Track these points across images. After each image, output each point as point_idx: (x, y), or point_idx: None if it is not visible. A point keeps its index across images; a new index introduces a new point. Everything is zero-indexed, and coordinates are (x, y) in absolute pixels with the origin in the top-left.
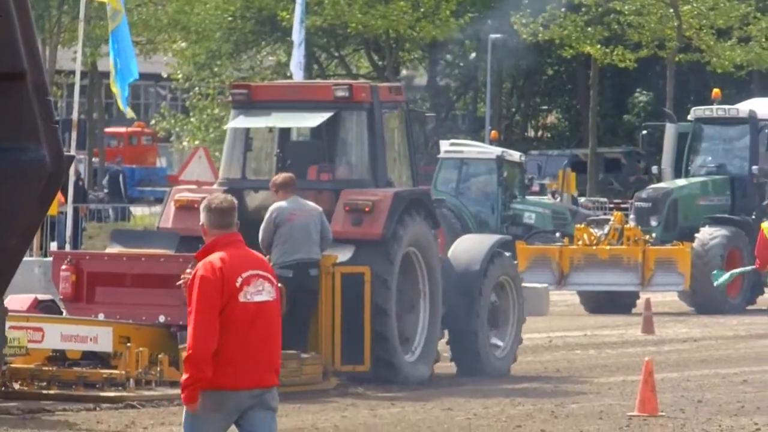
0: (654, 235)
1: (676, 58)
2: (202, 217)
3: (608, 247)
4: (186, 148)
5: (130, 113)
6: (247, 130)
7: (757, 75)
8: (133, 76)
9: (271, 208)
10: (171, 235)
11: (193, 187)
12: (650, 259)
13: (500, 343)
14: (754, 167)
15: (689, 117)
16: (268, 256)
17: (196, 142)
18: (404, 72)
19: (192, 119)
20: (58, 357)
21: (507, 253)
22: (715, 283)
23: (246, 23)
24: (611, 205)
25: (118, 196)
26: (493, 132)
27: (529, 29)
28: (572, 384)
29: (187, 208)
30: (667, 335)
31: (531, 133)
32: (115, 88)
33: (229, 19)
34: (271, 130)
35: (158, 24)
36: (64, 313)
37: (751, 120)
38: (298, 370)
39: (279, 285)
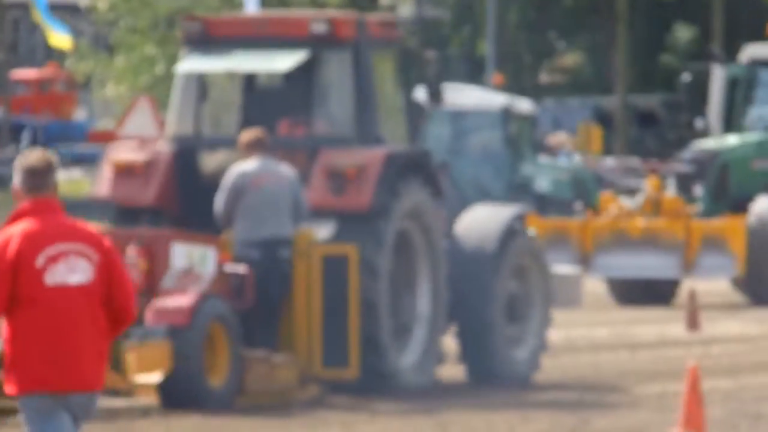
0: (699, 206)
1: None
2: (15, 177)
3: (642, 222)
4: (111, 97)
5: (66, 43)
6: (202, 74)
7: None
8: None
9: (230, 171)
10: (106, 205)
11: (134, 145)
12: (695, 237)
13: (521, 342)
14: None
15: (742, 57)
16: (227, 232)
17: (123, 88)
18: (384, 1)
19: (118, 60)
20: None
21: (529, 229)
22: None
23: None
24: (646, 169)
25: None
26: (496, 76)
27: None
28: (599, 394)
29: (127, 172)
30: (717, 333)
31: (544, 78)
32: (39, 18)
33: None
34: (231, 74)
35: None
36: None
37: None
38: (268, 375)
39: (240, 270)
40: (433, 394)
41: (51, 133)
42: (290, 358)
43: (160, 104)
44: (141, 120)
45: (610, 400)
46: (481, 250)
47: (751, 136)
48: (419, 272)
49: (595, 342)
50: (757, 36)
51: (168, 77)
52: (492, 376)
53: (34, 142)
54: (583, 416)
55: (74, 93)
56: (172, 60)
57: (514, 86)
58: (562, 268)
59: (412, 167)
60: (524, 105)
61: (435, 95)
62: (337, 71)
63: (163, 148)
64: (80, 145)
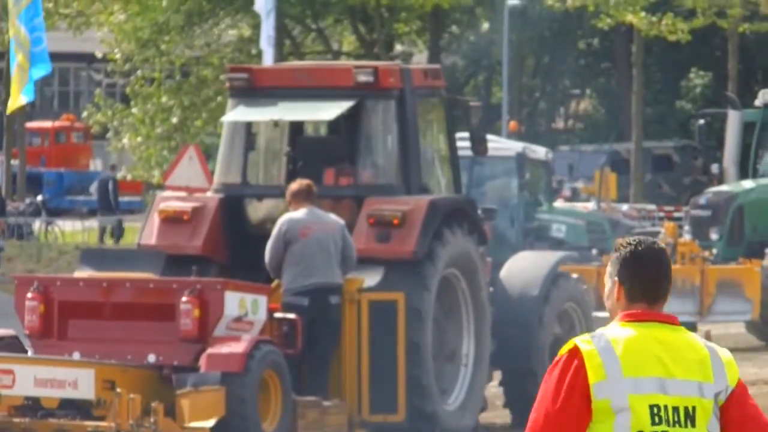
0: (715, 251)
1: (740, 29)
2: None
3: None
4: (125, 146)
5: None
6: (249, 124)
7: None
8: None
9: (280, 221)
10: (155, 254)
11: (183, 194)
12: (710, 282)
13: None
14: None
15: (757, 102)
16: (277, 282)
17: (139, 139)
18: (399, 48)
19: (134, 110)
20: (31, 406)
21: (574, 275)
22: None
23: None
24: (661, 214)
25: (107, 207)
26: (511, 123)
27: None
28: None
29: (174, 221)
30: None
31: (560, 124)
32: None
33: None
34: (277, 124)
35: None
36: (29, 352)
37: None
38: (319, 420)
39: (290, 317)
40: None
41: (66, 184)
42: (340, 404)
43: (175, 152)
44: (189, 169)
45: None
46: (527, 294)
47: (766, 181)
48: (464, 317)
49: None
50: None
51: (182, 126)
52: None
53: (113, 193)
54: None
55: (89, 144)
56: (186, 110)
57: (529, 132)
58: (605, 313)
59: (457, 214)
60: (539, 151)
61: (479, 143)
62: (381, 120)
63: (211, 196)
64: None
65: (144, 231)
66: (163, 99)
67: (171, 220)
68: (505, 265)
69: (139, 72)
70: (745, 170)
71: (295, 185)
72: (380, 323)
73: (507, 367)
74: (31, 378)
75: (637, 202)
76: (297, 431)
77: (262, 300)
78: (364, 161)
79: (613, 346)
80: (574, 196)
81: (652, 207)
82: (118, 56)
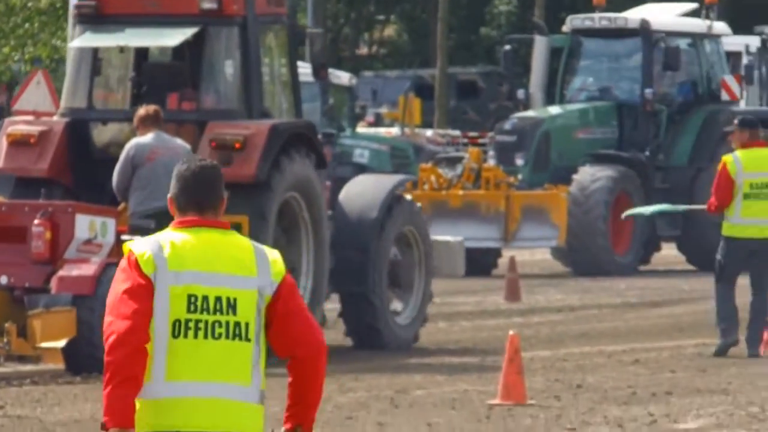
0: (520, 176)
1: None
2: None
3: (462, 192)
4: None
5: None
6: (95, 50)
7: None
8: None
9: (128, 145)
10: (2, 177)
11: (30, 118)
12: (515, 208)
13: (401, 308)
14: (648, 90)
15: (564, 28)
16: (124, 204)
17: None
18: None
19: None
20: None
21: (410, 198)
22: (624, 215)
23: None
24: (465, 140)
25: None
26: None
27: None
28: (416, 365)
29: (22, 144)
30: (538, 303)
31: (364, 50)
32: None
33: None
34: (123, 50)
35: None
36: None
37: (643, 32)
38: None
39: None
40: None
41: None
42: None
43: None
44: (36, 94)
45: (429, 370)
46: (364, 218)
47: (574, 107)
48: (303, 240)
49: None
50: (579, 7)
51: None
52: (376, 342)
53: None
54: (400, 386)
55: None
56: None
57: (332, 58)
58: (445, 236)
59: (298, 139)
60: (343, 76)
61: (319, 70)
62: (224, 46)
63: (57, 120)
64: None
65: None
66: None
67: (18, 143)
68: (344, 188)
69: None
70: (551, 96)
71: (142, 110)
72: None
73: (345, 290)
74: None
75: (442, 127)
76: None
77: (111, 223)
78: (207, 86)
79: (162, 245)
80: (378, 122)
81: (456, 133)
82: None
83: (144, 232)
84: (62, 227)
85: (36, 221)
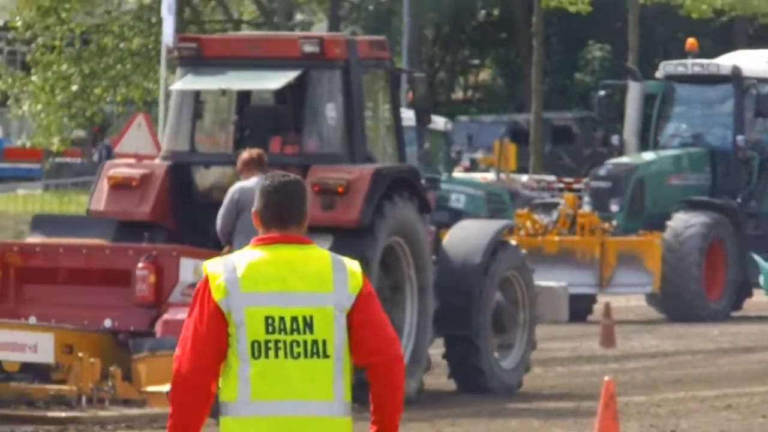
0: (615, 223)
1: (641, 1)
2: None
3: (557, 239)
4: (26, 114)
5: None
6: (197, 92)
7: (740, 22)
8: None
9: (232, 189)
10: (105, 220)
11: (132, 161)
12: (610, 254)
13: (505, 353)
14: (740, 137)
15: (657, 74)
16: (228, 248)
17: (39, 106)
18: (298, 17)
19: (33, 78)
20: None
21: (514, 243)
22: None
23: None
24: (561, 185)
25: None
26: (410, 93)
27: None
28: (513, 410)
29: (123, 187)
30: (633, 349)
31: (459, 94)
32: None
33: None
34: (225, 93)
35: None
36: None
37: (735, 78)
38: None
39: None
40: (417, 404)
41: None
42: None
43: (75, 120)
44: (138, 136)
45: (525, 415)
46: (468, 262)
47: (668, 153)
48: (406, 289)
49: None
50: (672, 53)
51: (82, 93)
52: (480, 385)
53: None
54: None
55: None
56: (86, 78)
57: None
58: (549, 281)
59: (400, 183)
60: (439, 121)
61: (423, 114)
62: (327, 90)
63: (159, 163)
64: None
65: (93, 197)
66: (64, 67)
67: (120, 186)
68: (448, 233)
69: (39, 40)
70: (645, 142)
71: (246, 154)
72: None
73: (449, 334)
74: None
75: (537, 173)
76: None
77: None
78: (309, 130)
79: (236, 266)
80: (474, 167)
81: (551, 178)
82: (18, 24)
83: None
84: (167, 271)
85: (140, 264)
